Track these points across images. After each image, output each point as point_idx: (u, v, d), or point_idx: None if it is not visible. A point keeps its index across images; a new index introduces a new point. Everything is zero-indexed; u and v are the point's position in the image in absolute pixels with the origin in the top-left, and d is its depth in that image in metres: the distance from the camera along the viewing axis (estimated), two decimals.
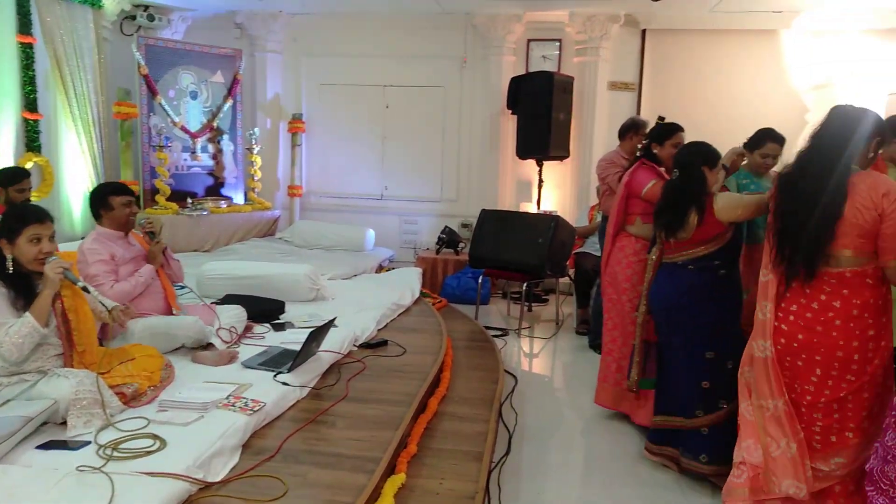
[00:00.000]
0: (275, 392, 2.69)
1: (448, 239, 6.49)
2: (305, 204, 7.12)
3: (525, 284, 5.40)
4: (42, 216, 2.46)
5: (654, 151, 3.37)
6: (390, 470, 2.37)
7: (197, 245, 5.96)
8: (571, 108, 6.18)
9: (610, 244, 3.48)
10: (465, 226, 6.70)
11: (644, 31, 6.36)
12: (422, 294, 5.12)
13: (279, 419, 2.63)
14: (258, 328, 3.60)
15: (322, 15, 6.68)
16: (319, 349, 3.17)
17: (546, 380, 4.49)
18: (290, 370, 2.89)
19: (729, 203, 2.68)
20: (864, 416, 2.10)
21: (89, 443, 2.15)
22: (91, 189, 4.66)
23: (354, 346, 3.58)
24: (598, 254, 4.58)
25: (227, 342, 3.20)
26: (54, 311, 2.45)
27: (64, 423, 2.25)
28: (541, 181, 6.28)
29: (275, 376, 2.84)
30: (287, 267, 4.58)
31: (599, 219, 4.84)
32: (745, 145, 3.66)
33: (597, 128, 6.37)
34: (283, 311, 3.95)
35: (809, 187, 2.09)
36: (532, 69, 6.43)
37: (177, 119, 6.10)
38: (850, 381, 2.08)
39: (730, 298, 2.82)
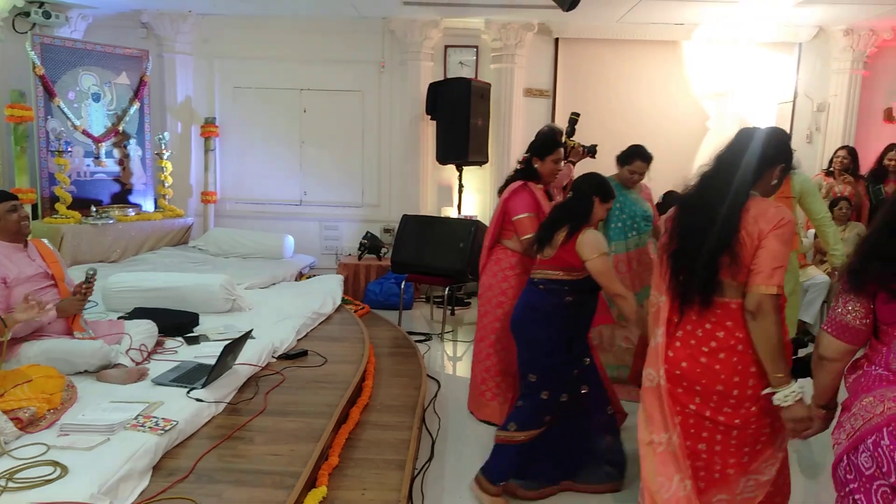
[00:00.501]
0: (188, 409, 2.59)
1: (370, 244, 6.45)
2: (220, 210, 6.88)
3: (447, 288, 5.45)
4: None
5: (535, 166, 3.36)
6: (311, 484, 2.33)
7: (102, 255, 5.64)
8: (489, 114, 6.29)
9: (486, 256, 3.48)
10: (387, 231, 6.68)
11: (557, 40, 6.56)
12: (343, 301, 5.06)
13: (193, 437, 2.54)
14: (170, 342, 3.45)
15: (234, 16, 6.49)
16: (236, 362, 3.08)
17: (469, 383, 4.53)
18: (204, 385, 2.79)
19: (590, 242, 2.63)
20: (745, 451, 2.00)
21: None
22: None
23: (273, 357, 3.50)
24: None
25: (136, 362, 3.05)
26: None
27: None
28: (461, 186, 6.35)
29: (188, 392, 2.74)
30: (201, 277, 4.41)
31: None
32: (618, 158, 3.86)
33: (514, 133, 6.51)
34: (196, 324, 3.80)
35: (706, 212, 1.97)
36: (450, 75, 6.50)
37: (78, 122, 5.76)
38: (728, 413, 1.97)
39: (568, 329, 2.73)
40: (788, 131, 6.23)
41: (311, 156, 6.81)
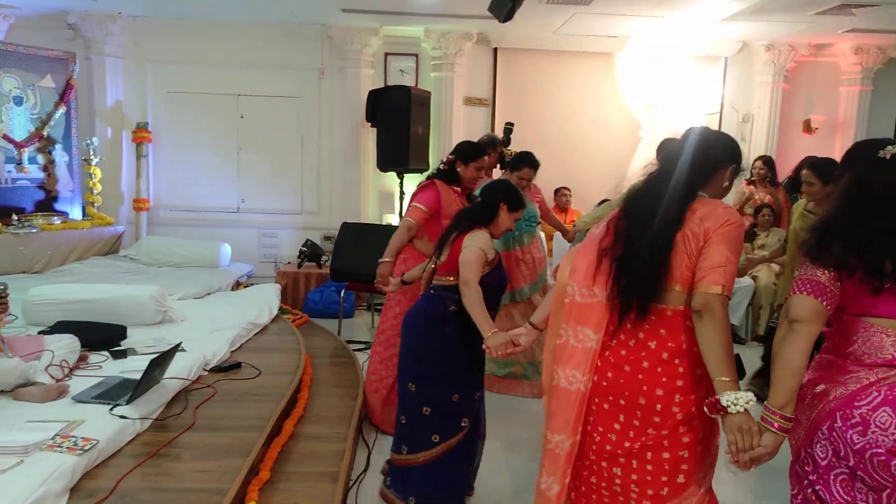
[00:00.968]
0: (110, 427, 2.50)
1: (310, 252, 6.38)
2: (154, 218, 6.67)
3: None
4: None
5: (458, 170, 3.38)
6: (239, 500, 2.29)
7: (25, 266, 5.38)
8: (429, 121, 6.32)
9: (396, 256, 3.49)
10: (327, 238, 6.61)
11: (496, 50, 6.66)
12: (281, 311, 4.98)
13: (116, 456, 2.45)
14: (95, 357, 3.31)
15: (167, 19, 6.32)
16: (164, 377, 2.99)
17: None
18: (128, 402, 2.70)
19: (474, 236, 2.53)
20: (663, 482, 1.81)
21: None
22: None
23: (205, 370, 3.41)
24: None
25: (56, 379, 2.92)
26: None
27: None
28: (402, 193, 6.36)
29: (111, 409, 2.64)
30: (129, 288, 4.26)
31: None
32: (507, 164, 3.98)
33: (455, 141, 6.47)
34: (124, 337, 3.67)
35: (651, 212, 1.83)
36: (391, 82, 6.51)
37: None
38: (650, 433, 1.81)
39: (451, 338, 2.56)
40: None
41: (249, 162, 6.69)
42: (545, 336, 2.05)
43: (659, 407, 1.78)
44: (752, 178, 5.95)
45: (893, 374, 1.59)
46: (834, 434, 1.60)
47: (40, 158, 5.90)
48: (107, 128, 6.42)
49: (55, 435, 2.35)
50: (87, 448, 2.29)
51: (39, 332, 3.38)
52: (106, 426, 2.49)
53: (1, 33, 6.02)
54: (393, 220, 6.51)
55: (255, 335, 4.27)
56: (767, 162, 5.93)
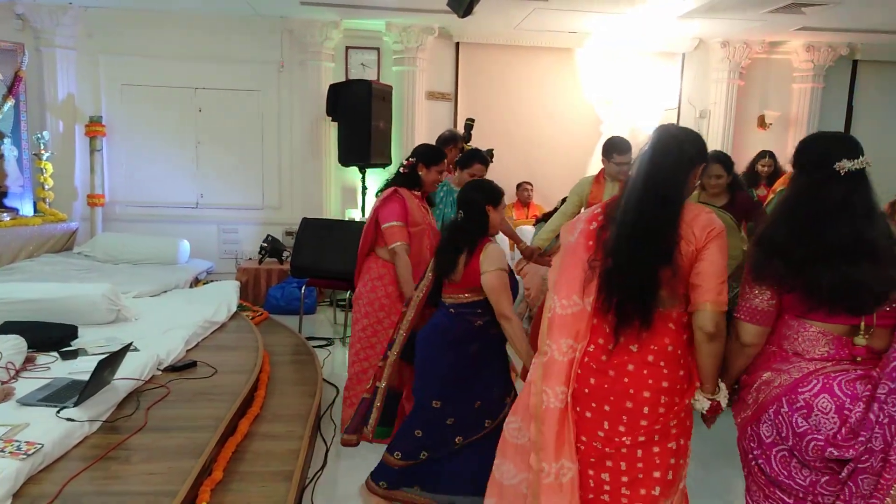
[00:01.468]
0: (57, 430, 2.44)
1: (271, 248, 6.31)
2: (109, 214, 6.51)
3: (350, 291, 5.41)
4: None
5: (420, 173, 3.27)
6: (189, 502, 2.26)
7: None
8: (391, 116, 6.29)
9: (360, 263, 3.35)
10: (289, 234, 6.54)
11: (458, 44, 6.66)
12: (240, 308, 4.92)
13: (63, 460, 2.39)
14: (43, 358, 3.23)
15: (120, 10, 6.15)
16: (115, 377, 2.93)
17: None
18: (76, 404, 2.64)
19: (490, 255, 2.52)
20: (656, 477, 1.86)
21: None
22: None
23: (158, 370, 3.35)
24: None
25: (2, 381, 2.84)
26: None
27: None
28: (364, 188, 6.33)
29: (58, 412, 2.58)
30: (81, 287, 4.15)
31: None
32: (457, 162, 3.91)
33: (417, 136, 6.54)
34: (75, 337, 3.59)
35: (641, 221, 1.83)
36: (352, 76, 6.46)
37: None
38: (639, 433, 1.86)
39: (477, 354, 2.59)
40: None
41: (208, 156, 6.57)
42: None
43: (646, 409, 1.85)
44: None
45: (829, 366, 1.73)
46: (780, 417, 1.74)
47: None
48: (58, 121, 6.23)
49: None
50: (30, 452, 2.24)
51: None
52: (52, 429, 2.44)
53: None
54: (355, 214, 6.47)
55: (212, 333, 4.21)
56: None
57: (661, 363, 1.85)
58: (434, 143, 4.44)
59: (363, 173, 6.28)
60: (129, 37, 6.27)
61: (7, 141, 5.84)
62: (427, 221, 3.32)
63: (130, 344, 3.11)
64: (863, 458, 1.62)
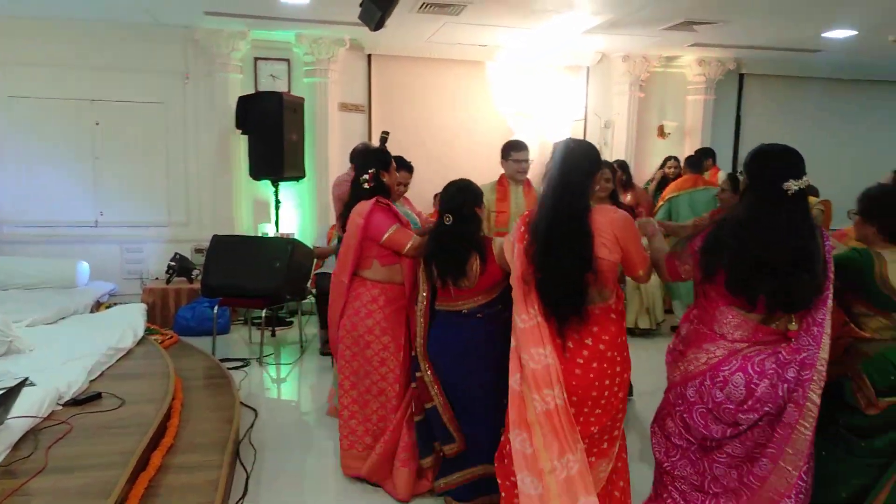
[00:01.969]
0: None
1: (179, 266, 6.04)
2: None
3: (265, 309, 5.26)
4: None
5: (384, 180, 3.14)
6: None
7: None
8: (303, 128, 6.19)
9: (345, 293, 3.06)
10: (198, 251, 6.27)
11: (370, 56, 6.65)
12: (148, 331, 4.67)
13: None
14: None
15: (6, 17, 5.73)
16: (8, 416, 2.71)
17: (292, 405, 4.44)
18: None
19: (501, 245, 2.52)
20: (605, 438, 2.26)
21: None
22: None
23: (59, 404, 3.13)
24: None
25: None
26: None
27: None
28: (278, 202, 6.18)
29: None
30: None
31: (336, 241, 4.91)
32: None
33: (331, 148, 6.47)
34: None
35: (558, 233, 2.12)
36: (262, 88, 6.31)
37: None
38: (599, 414, 2.21)
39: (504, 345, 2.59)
40: None
41: (108, 172, 6.22)
42: None
43: (606, 393, 2.20)
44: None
45: (746, 348, 2.10)
46: (703, 388, 2.13)
47: None
48: None
49: None
50: None
51: None
52: None
53: None
54: (269, 229, 6.31)
55: (117, 361, 3.97)
56: (622, 165, 6.34)
57: (613, 352, 2.20)
58: (360, 155, 4.37)
59: (276, 187, 6.14)
60: (16, 46, 5.85)
61: None
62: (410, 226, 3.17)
63: (26, 379, 2.88)
64: (762, 420, 2.06)
